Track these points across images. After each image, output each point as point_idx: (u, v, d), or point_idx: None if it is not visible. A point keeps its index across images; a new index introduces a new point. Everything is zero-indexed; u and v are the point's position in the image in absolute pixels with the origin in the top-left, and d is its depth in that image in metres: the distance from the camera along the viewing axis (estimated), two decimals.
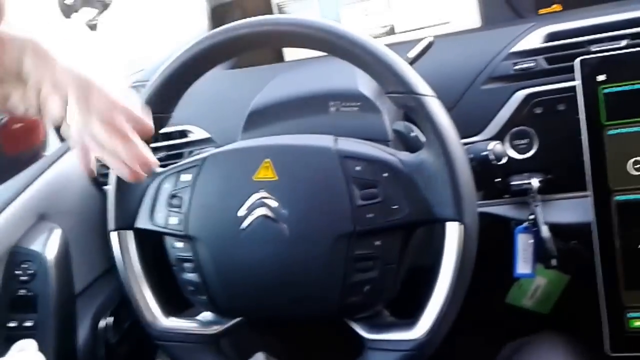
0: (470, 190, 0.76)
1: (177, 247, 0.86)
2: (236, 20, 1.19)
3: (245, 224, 0.80)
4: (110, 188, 0.89)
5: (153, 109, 0.80)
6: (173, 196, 0.85)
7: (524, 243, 0.97)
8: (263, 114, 0.99)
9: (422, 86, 0.77)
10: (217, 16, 1.34)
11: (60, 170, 1.17)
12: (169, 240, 0.88)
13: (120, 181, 0.87)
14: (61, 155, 1.19)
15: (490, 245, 0.85)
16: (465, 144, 0.87)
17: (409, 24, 1.26)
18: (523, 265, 0.98)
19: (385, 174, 0.78)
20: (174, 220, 0.85)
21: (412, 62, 0.94)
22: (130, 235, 0.89)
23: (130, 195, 0.88)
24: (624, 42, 0.92)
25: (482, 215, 0.79)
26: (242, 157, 0.83)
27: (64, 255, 1.09)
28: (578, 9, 1.08)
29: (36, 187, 1.11)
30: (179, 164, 0.87)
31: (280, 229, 0.79)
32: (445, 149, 0.75)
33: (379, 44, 0.78)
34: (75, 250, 1.12)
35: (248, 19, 0.83)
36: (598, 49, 0.93)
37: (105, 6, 1.23)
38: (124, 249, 0.89)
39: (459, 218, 0.74)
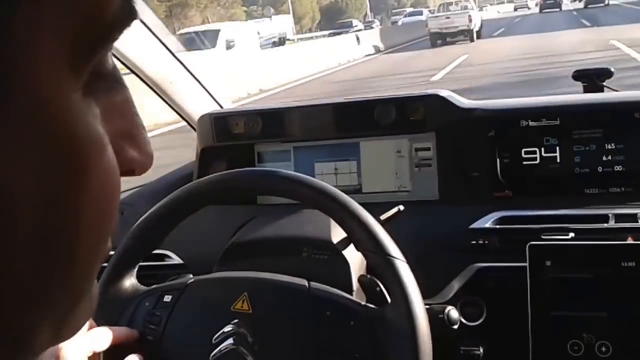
0: (428, 351, 0.82)
1: None
2: (221, 163, 1.28)
3: (216, 350, 0.83)
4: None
5: (146, 237, 0.86)
6: (152, 314, 0.88)
7: None
8: (240, 249, 1.04)
9: (393, 249, 0.85)
10: (205, 158, 1.44)
11: None
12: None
13: (103, 294, 0.90)
14: None
15: None
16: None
17: (374, 186, 1.37)
18: None
19: (352, 322, 0.83)
20: (149, 337, 0.87)
21: (383, 224, 1.03)
22: None
23: (110, 309, 0.90)
24: (570, 235, 1.04)
25: None
26: (223, 287, 0.88)
27: None
28: (526, 197, 1.21)
29: None
30: (162, 285, 0.91)
31: None
32: (410, 311, 0.81)
33: (357, 205, 0.87)
34: None
35: (248, 169, 0.92)
36: (547, 237, 1.04)
37: None
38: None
39: None
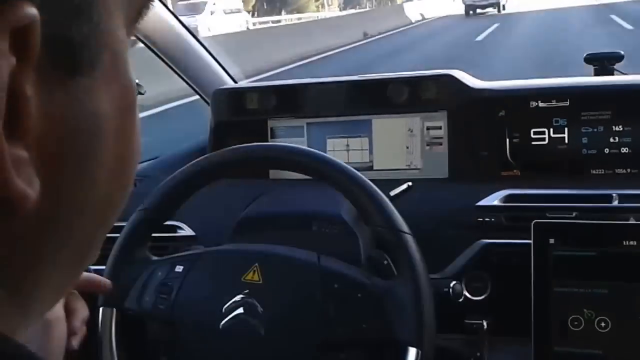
0: (432, 323, 0.85)
1: (157, 331, 0.91)
2: (234, 137, 1.32)
3: (226, 318, 0.87)
4: (106, 268, 0.94)
5: (160, 208, 0.90)
6: (164, 284, 0.92)
7: None
8: (252, 223, 1.08)
9: (401, 223, 0.88)
10: (218, 133, 1.47)
11: None
12: (150, 325, 0.93)
13: (115, 263, 0.93)
14: None
15: None
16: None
17: (385, 163, 1.40)
18: None
19: (359, 294, 0.87)
20: (160, 306, 0.90)
21: (392, 200, 1.05)
22: (115, 313, 0.93)
23: (123, 276, 0.94)
24: (575, 214, 1.06)
25: (435, 348, 0.87)
26: (235, 258, 0.91)
27: None
28: (534, 177, 1.24)
29: None
30: (174, 255, 0.95)
31: (257, 329, 0.86)
32: (416, 283, 0.85)
33: (367, 181, 0.90)
34: None
35: (263, 144, 0.95)
36: (552, 215, 1.07)
37: None
38: (107, 325, 0.93)
39: (419, 345, 0.83)
